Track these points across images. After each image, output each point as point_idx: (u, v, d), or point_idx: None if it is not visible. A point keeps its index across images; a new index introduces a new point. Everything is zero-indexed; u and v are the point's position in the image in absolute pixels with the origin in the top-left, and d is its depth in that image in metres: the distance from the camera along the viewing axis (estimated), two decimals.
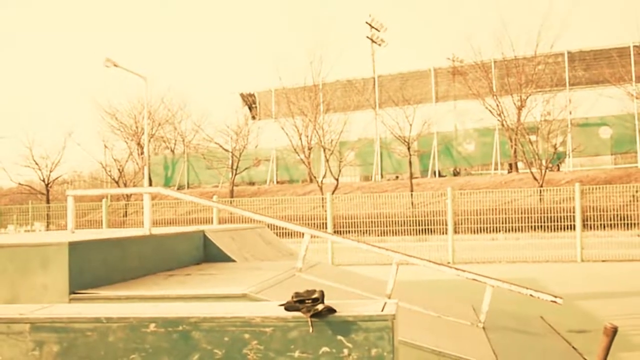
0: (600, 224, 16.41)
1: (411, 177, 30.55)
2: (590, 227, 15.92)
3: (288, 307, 3.18)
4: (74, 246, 4.73)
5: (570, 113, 30.93)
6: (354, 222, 18.61)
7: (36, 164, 36.53)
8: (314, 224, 18.17)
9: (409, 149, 30.72)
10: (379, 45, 42.66)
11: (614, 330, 3.30)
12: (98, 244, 5.34)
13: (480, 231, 17.68)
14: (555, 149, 28.44)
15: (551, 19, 41.79)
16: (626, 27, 57.19)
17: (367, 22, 42.44)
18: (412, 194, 23.14)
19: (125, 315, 3.25)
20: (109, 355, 3.19)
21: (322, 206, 19.09)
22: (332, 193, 23.14)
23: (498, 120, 31.20)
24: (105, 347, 3.20)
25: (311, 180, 32.59)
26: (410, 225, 18.32)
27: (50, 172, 36.86)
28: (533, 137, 29.27)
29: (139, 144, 37.86)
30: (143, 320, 3.20)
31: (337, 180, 30.45)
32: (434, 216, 17.66)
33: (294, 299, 3.22)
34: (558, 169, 32.00)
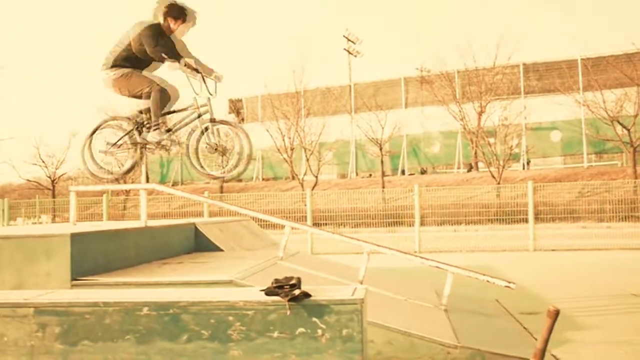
0: (551, 217, 16.60)
1: (383, 175, 30.67)
2: (542, 220, 16.06)
3: (268, 292, 3.19)
4: (75, 237, 4.69)
5: (525, 118, 31.23)
6: (332, 215, 18.63)
7: (43, 162, 36.35)
8: (295, 217, 18.15)
9: (381, 149, 30.84)
10: (355, 56, 42.70)
11: (556, 313, 3.34)
12: (98, 235, 5.30)
13: (444, 223, 17.80)
14: (511, 150, 28.72)
15: (508, 34, 42.18)
16: (574, 42, 57.76)
17: (344, 36, 42.48)
18: (383, 190, 23.19)
19: (121, 299, 3.23)
20: (106, 336, 3.17)
21: (303, 201, 19.06)
22: (312, 189, 23.12)
23: (460, 124, 31.41)
24: (102, 329, 3.18)
25: (293, 178, 32.58)
26: (381, 218, 18.40)
27: (56, 169, 36.63)
28: (492, 140, 29.48)
29: None
30: (137, 304, 3.19)
31: (316, 177, 30.50)
32: (402, 210, 17.77)
33: (274, 285, 3.23)
34: (528, 167, 32.33)
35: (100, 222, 16.53)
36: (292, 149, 32.65)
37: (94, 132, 6.46)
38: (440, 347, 4.25)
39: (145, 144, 6.33)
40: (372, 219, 18.60)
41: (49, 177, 36.55)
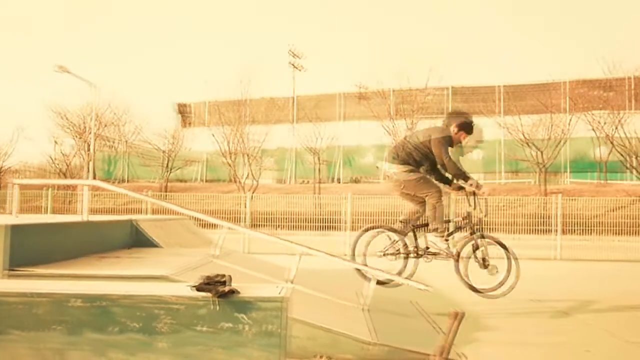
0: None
1: (319, 182, 30.83)
2: (461, 229, 16.45)
3: (198, 288, 3.15)
4: (14, 228, 4.51)
5: None
6: (270, 218, 18.60)
7: None
8: (235, 218, 18.02)
9: (318, 158, 31.05)
10: (299, 70, 42.78)
11: (457, 315, 3.44)
12: (38, 227, 5.12)
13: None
14: None
15: (440, 60, 43.32)
16: (496, 71, 59.77)
17: (289, 50, 42.52)
18: (318, 196, 23.31)
19: (53, 291, 3.12)
20: (36, 326, 3.06)
21: (243, 203, 18.93)
22: (252, 192, 23.03)
23: (392, 139, 31.97)
24: (33, 319, 3.06)
25: (234, 181, 32.35)
26: (316, 222, 18.47)
27: (3, 162, 35.26)
28: None
29: (85, 141, 36.58)
30: (68, 295, 3.09)
31: (256, 181, 30.38)
32: (335, 215, 17.86)
33: (203, 282, 3.19)
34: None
35: (43, 215, 15.95)
36: (235, 154, 32.44)
37: (361, 235, 6.35)
38: (358, 344, 4.29)
39: (419, 253, 6.26)
40: (307, 222, 18.64)
41: None
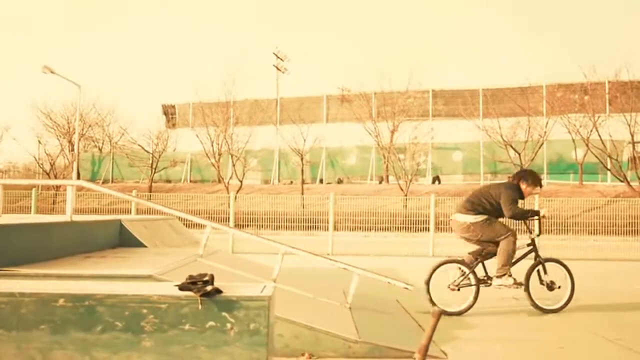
0: (449, 227, 17.05)
1: (303, 182, 30.79)
2: (441, 230, 16.55)
3: (182, 287, 3.13)
4: None
5: (432, 138, 32.24)
6: (254, 218, 18.54)
7: None
8: (220, 217, 17.95)
9: (302, 159, 31.01)
10: (283, 72, 42.74)
11: (440, 313, 3.46)
12: (22, 227, 5.06)
13: (356, 229, 18.05)
14: (418, 166, 29.56)
15: (420, 63, 43.61)
16: (478, 75, 60.34)
17: (274, 53, 42.48)
18: (302, 197, 23.29)
19: (37, 290, 3.08)
20: (20, 325, 3.01)
21: (227, 203, 18.85)
22: (236, 193, 22.94)
23: (375, 140, 32.05)
24: (18, 318, 3.02)
25: (219, 181, 32.19)
26: (300, 222, 18.46)
27: None
28: (401, 156, 30.21)
29: (70, 141, 36.17)
30: (53, 295, 3.04)
31: (241, 182, 30.25)
32: (319, 215, 17.87)
33: (188, 281, 3.17)
34: (439, 182, 33.20)
35: (29, 215, 15.74)
36: (219, 155, 32.32)
37: (435, 269, 6.56)
38: (342, 342, 4.30)
39: (489, 282, 6.50)
40: (291, 222, 18.64)
41: None
